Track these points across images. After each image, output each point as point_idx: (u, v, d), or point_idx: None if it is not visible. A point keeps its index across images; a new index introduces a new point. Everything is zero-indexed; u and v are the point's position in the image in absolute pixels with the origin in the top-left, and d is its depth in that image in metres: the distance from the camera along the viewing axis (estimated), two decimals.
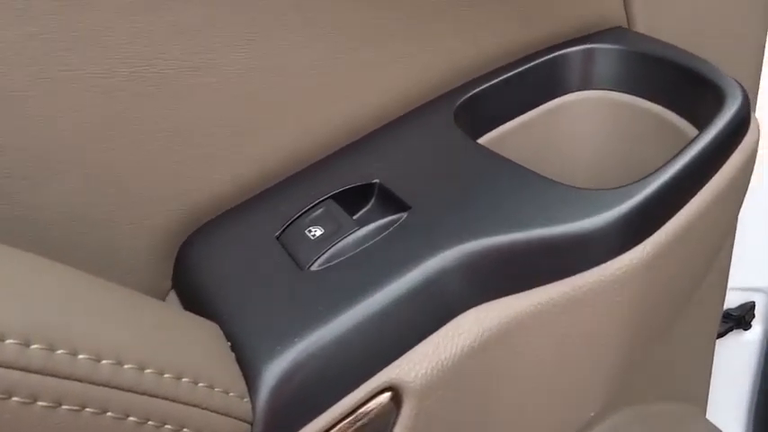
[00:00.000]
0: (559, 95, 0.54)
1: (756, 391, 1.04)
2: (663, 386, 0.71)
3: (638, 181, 0.40)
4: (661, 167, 0.41)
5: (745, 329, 1.00)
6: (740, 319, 0.99)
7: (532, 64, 0.52)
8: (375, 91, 0.47)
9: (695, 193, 0.42)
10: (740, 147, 0.44)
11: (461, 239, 0.37)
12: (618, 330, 0.41)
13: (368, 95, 0.47)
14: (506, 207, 0.39)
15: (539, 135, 0.53)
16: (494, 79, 0.51)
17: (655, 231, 0.40)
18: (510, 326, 0.37)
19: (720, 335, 0.98)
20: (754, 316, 1.00)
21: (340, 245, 0.38)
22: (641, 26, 0.57)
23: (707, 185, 0.42)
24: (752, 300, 0.99)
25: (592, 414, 0.43)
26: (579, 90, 0.54)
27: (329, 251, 0.38)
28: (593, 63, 0.54)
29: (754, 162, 0.46)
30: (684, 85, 0.49)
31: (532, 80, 0.52)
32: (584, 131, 0.54)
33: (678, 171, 0.41)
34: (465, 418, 0.37)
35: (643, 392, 0.69)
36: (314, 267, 0.37)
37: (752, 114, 0.47)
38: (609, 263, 0.38)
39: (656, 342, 0.47)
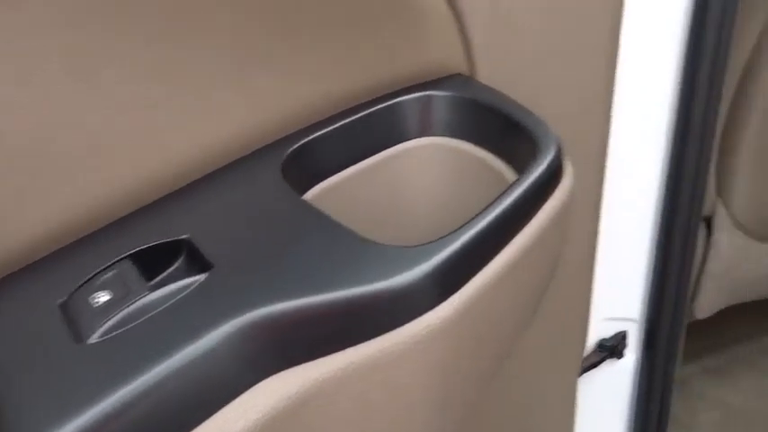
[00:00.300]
0: (397, 143, 0.53)
1: (633, 417, 1.08)
2: (523, 426, 0.71)
3: (447, 235, 0.39)
4: (471, 220, 0.41)
5: (619, 358, 1.04)
6: (613, 348, 1.02)
7: (369, 111, 0.52)
8: (195, 141, 0.45)
9: (508, 242, 0.42)
10: (554, 195, 0.45)
11: (257, 304, 0.35)
12: (429, 388, 0.40)
13: (186, 145, 0.44)
14: (312, 268, 0.38)
15: (376, 184, 0.52)
16: (328, 127, 0.50)
17: (466, 283, 0.40)
18: (308, 395, 0.35)
19: (595, 364, 1.01)
20: (626, 345, 1.04)
21: (125, 313, 0.35)
22: (482, 74, 0.58)
23: (521, 233, 0.43)
24: (624, 329, 1.03)
25: None
26: (417, 137, 0.54)
27: (111, 320, 0.35)
28: (431, 110, 0.54)
29: (569, 209, 0.47)
30: (508, 133, 0.50)
31: (369, 128, 0.52)
32: (422, 178, 0.54)
33: (489, 222, 0.41)
34: None
35: None
36: (92, 340, 0.34)
37: (566, 163, 0.48)
38: (416, 321, 0.37)
39: (483, 389, 0.46)
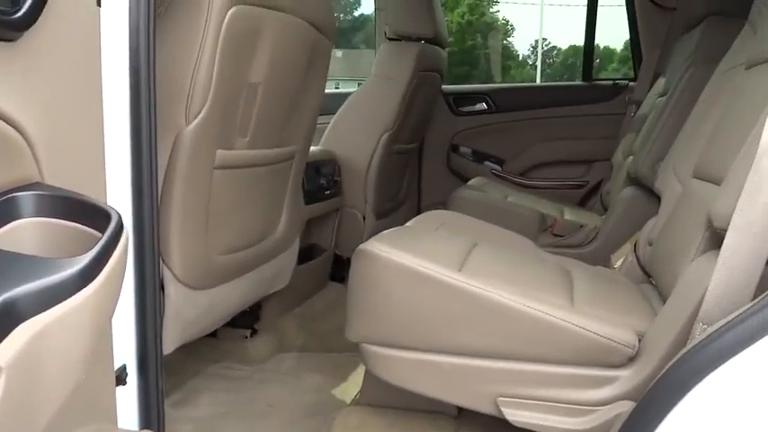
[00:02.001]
0: (16, 220, 0.89)
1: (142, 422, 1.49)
2: (99, 410, 1.09)
3: (85, 254, 0.81)
4: (90, 251, 0.83)
5: (124, 384, 1.45)
6: (119, 377, 1.43)
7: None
8: None
9: (108, 260, 0.86)
10: (121, 239, 0.91)
11: (5, 288, 0.70)
12: (86, 332, 0.80)
13: None
14: (22, 270, 0.74)
15: (12, 245, 0.86)
16: None
17: (95, 278, 0.82)
18: (44, 330, 0.72)
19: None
20: (127, 374, 1.46)
21: None
22: (50, 181, 0.99)
23: (112, 256, 0.87)
24: (124, 362, 1.45)
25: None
26: (29, 218, 0.90)
27: None
28: (31, 201, 0.91)
29: (127, 247, 0.93)
30: (85, 211, 0.92)
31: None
32: (42, 238, 0.90)
33: (98, 251, 0.84)
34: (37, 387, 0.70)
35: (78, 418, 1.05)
36: None
37: (124, 224, 0.94)
38: (79, 293, 0.78)
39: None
